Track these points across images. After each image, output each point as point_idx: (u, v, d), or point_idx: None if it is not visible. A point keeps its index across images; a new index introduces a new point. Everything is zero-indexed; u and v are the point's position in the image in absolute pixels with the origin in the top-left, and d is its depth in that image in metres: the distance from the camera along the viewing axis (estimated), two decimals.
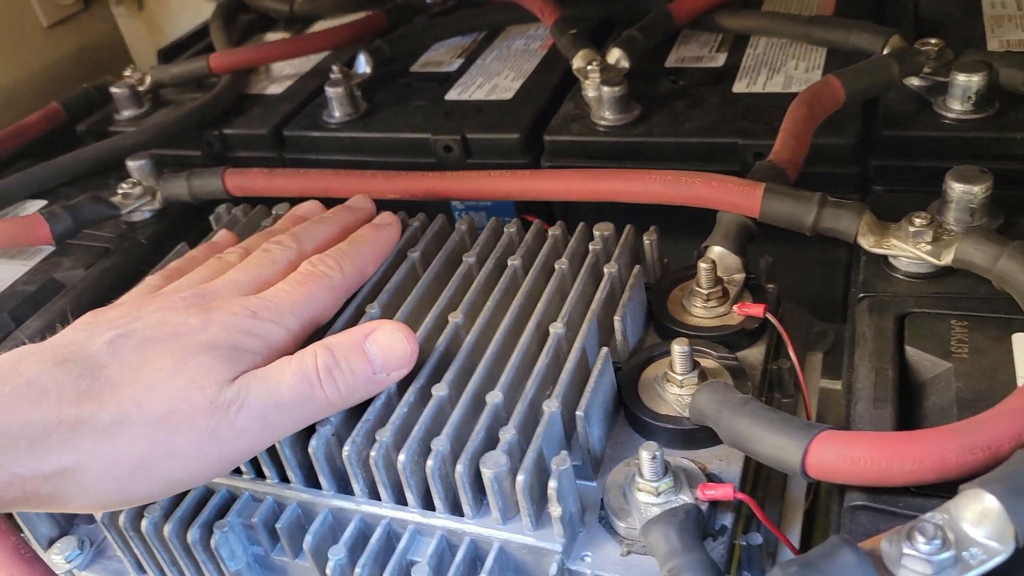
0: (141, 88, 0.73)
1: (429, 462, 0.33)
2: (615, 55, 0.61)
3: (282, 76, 0.75)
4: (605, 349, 0.38)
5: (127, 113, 0.72)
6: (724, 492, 0.33)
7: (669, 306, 0.43)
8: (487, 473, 0.32)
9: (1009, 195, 0.42)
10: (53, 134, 0.71)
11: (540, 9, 0.68)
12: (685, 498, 0.33)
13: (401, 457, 0.34)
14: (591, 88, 0.60)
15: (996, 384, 0.33)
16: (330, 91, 0.64)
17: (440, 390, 0.36)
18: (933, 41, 0.52)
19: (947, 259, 0.38)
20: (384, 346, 0.35)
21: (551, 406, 0.35)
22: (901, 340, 0.36)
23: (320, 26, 0.85)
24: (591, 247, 0.44)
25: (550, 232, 0.45)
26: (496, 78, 0.67)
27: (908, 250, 0.39)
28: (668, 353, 0.39)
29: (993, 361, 0.34)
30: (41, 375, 0.32)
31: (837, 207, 0.41)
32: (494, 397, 0.35)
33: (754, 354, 0.41)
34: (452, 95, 0.66)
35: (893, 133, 0.50)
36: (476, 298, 0.42)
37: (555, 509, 0.32)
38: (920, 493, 0.30)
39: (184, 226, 0.58)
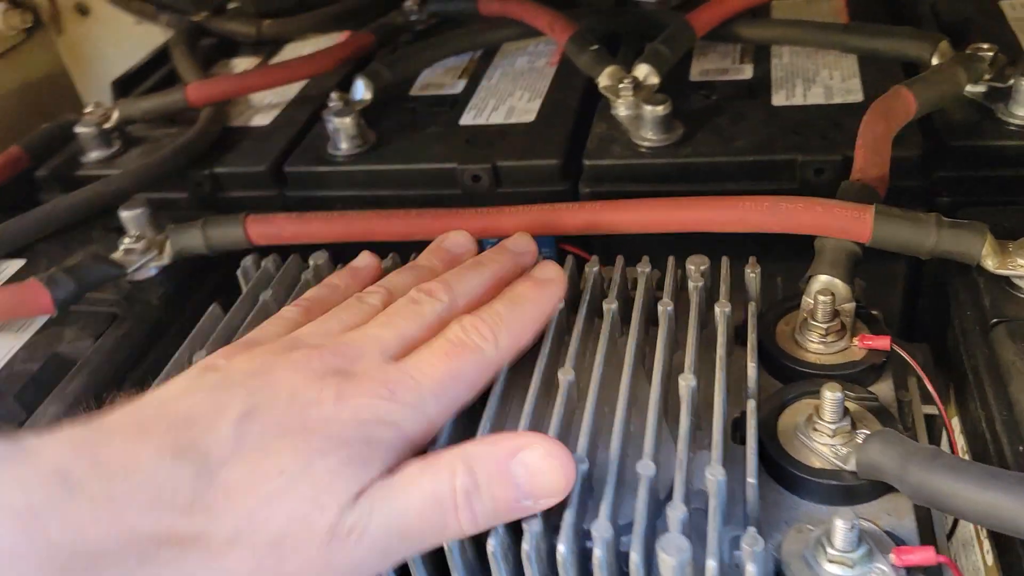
0: (107, 125, 0.66)
1: (597, 551, 0.29)
2: (643, 71, 0.58)
3: (264, 105, 0.69)
4: (753, 402, 0.34)
5: (95, 155, 0.65)
6: (925, 556, 0.30)
7: (781, 343, 0.40)
8: (669, 561, 0.28)
9: None
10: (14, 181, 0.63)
11: (549, 24, 0.64)
12: (882, 567, 0.30)
13: (561, 548, 0.30)
14: (623, 107, 0.57)
15: None
16: (336, 121, 0.59)
17: (580, 463, 0.32)
18: (986, 46, 0.51)
19: None
20: (535, 471, 0.30)
21: (716, 474, 0.31)
22: None
23: (292, 48, 0.79)
24: (692, 284, 0.40)
25: (640, 270, 0.42)
26: (509, 99, 0.63)
27: None
28: (802, 397, 0.37)
29: None
30: (158, 471, 0.28)
31: (956, 227, 0.39)
32: (647, 468, 0.32)
33: (884, 390, 0.38)
34: (467, 120, 0.61)
35: (962, 143, 0.48)
36: (579, 350, 0.38)
37: None
38: None
39: (196, 281, 0.52)
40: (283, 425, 0.31)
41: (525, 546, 0.30)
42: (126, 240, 0.50)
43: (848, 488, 0.33)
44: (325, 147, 0.61)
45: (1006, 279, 0.39)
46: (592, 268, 0.43)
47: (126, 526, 0.27)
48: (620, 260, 0.43)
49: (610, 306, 0.40)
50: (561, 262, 0.43)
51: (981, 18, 0.61)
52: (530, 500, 0.30)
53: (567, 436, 0.34)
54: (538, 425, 0.35)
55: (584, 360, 0.38)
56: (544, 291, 0.37)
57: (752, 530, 0.29)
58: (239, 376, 0.33)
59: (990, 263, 0.38)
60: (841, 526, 0.29)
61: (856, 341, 0.39)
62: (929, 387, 0.37)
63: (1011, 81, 0.49)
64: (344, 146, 0.59)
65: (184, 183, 0.61)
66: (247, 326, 0.43)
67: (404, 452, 0.31)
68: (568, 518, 0.31)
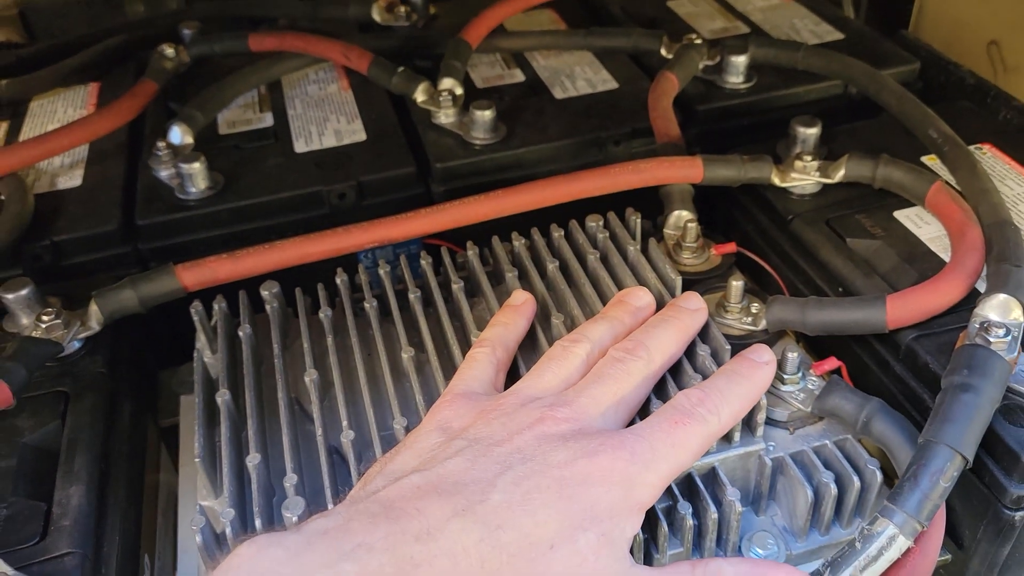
0: None
1: None
2: (449, 83, 0.68)
3: (55, 167, 0.66)
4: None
5: None
6: (831, 363, 0.46)
7: None
8: None
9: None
10: None
11: (344, 54, 0.71)
12: (812, 377, 0.46)
13: None
14: (444, 115, 0.67)
15: (912, 243, 0.51)
16: (187, 167, 0.60)
17: None
18: (694, 36, 0.71)
19: (837, 177, 0.55)
20: None
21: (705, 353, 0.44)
22: (839, 236, 0.53)
23: (37, 104, 0.75)
24: (599, 236, 0.53)
25: (555, 234, 0.53)
26: (328, 124, 0.69)
27: (808, 178, 0.56)
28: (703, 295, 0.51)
29: (899, 231, 0.53)
30: (447, 531, 0.32)
31: (754, 160, 0.56)
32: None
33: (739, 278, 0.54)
34: (302, 148, 0.66)
35: (705, 107, 0.67)
36: (546, 301, 0.48)
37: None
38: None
39: (125, 337, 0.52)
40: (543, 489, 0.33)
41: None
42: (44, 318, 0.48)
43: (763, 342, 0.49)
44: (171, 195, 0.61)
45: (784, 190, 0.57)
46: (516, 241, 0.53)
47: None
48: (534, 231, 0.54)
49: (551, 264, 0.51)
50: (432, 256, 0.52)
51: (663, 15, 0.81)
52: None
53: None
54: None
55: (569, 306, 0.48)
56: (760, 371, 0.41)
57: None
58: (485, 443, 0.35)
59: (777, 180, 0.56)
60: (791, 356, 0.44)
61: (713, 250, 0.55)
62: (768, 268, 0.55)
63: (718, 59, 0.69)
64: (194, 190, 0.61)
65: (17, 259, 0.58)
66: (248, 362, 0.46)
67: (637, 519, 0.35)
68: None
